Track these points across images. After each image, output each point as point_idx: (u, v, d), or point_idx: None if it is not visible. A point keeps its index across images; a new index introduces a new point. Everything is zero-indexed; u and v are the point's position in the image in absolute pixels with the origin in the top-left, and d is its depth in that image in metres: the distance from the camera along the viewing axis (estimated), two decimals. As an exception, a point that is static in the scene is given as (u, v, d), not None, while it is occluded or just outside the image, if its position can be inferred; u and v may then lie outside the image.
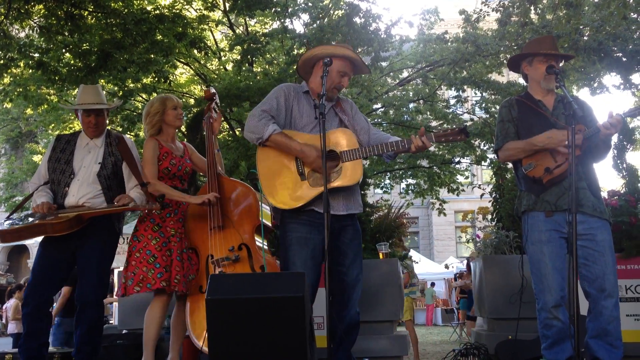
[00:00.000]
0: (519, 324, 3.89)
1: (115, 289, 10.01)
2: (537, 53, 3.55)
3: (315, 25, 12.04)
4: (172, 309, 4.17)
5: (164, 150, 4.09)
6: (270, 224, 4.09)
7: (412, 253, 8.87)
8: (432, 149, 16.25)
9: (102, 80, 10.55)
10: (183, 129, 8.97)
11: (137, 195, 3.90)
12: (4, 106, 15.09)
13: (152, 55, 9.67)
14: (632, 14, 10.49)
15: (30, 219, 3.80)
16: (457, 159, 17.13)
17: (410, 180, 18.63)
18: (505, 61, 12.69)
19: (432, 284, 22.97)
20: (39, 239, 4.00)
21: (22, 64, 9.92)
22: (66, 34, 9.07)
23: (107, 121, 4.18)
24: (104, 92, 10.73)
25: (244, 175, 6.45)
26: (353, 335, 3.57)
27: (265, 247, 4.05)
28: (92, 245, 3.87)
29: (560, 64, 3.61)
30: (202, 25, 12.27)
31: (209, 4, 12.65)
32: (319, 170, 3.36)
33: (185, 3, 11.85)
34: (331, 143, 3.36)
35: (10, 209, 17.43)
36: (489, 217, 6.75)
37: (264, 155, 3.51)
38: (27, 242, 20.40)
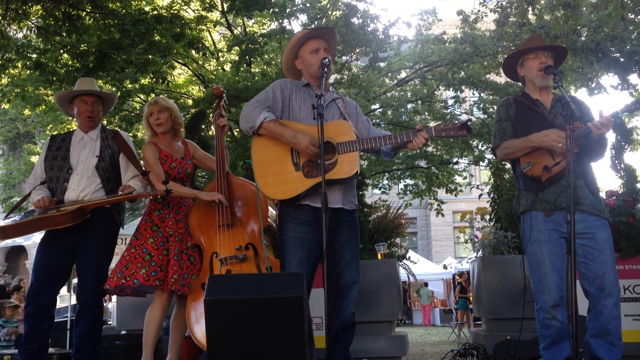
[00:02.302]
0: (517, 324, 3.89)
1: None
2: (526, 49, 3.59)
3: (313, 25, 12.05)
4: (171, 310, 4.17)
5: (163, 154, 4.10)
6: (275, 225, 4.07)
7: (411, 253, 8.88)
8: (430, 149, 16.27)
9: (100, 81, 10.54)
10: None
11: (138, 184, 3.91)
12: (2, 107, 15.04)
13: (150, 56, 9.65)
14: (630, 14, 10.51)
15: (31, 216, 3.79)
16: (455, 160, 17.14)
17: (408, 181, 18.64)
18: (503, 62, 12.68)
19: (426, 284, 22.94)
20: (37, 239, 4.00)
21: (19, 65, 9.90)
22: (64, 34, 9.04)
23: (105, 122, 4.21)
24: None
25: (242, 175, 6.44)
26: (348, 335, 3.54)
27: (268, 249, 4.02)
28: (92, 243, 3.87)
29: (552, 56, 3.61)
30: (200, 26, 12.24)
31: (207, 5, 12.63)
32: (312, 157, 3.31)
33: (183, 4, 11.83)
34: (328, 134, 3.27)
35: (8, 209, 17.40)
36: (487, 217, 6.76)
37: (259, 145, 3.46)
38: (24, 242, 20.34)
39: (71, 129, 4.28)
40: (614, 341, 3.23)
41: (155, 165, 4.01)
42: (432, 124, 15.79)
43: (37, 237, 4.07)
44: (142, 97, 13.44)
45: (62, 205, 3.82)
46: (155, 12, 9.65)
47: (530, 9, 10.43)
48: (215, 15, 13.72)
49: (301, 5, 12.78)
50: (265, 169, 3.42)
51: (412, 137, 3.32)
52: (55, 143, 4.10)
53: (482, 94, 15.22)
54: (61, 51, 9.74)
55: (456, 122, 3.36)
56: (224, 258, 3.84)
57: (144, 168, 4.06)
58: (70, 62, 9.90)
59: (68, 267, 3.99)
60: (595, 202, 3.38)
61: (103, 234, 3.95)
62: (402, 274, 6.87)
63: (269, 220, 3.92)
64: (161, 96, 4.33)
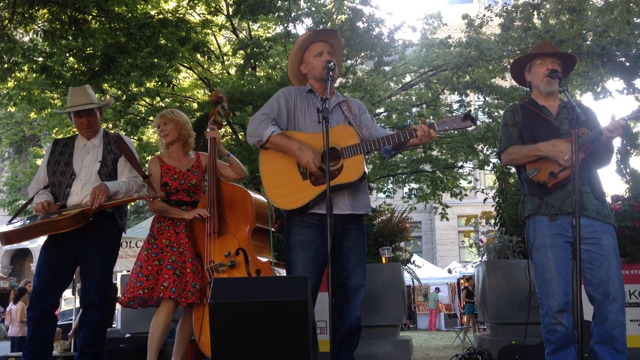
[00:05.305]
0: (522, 329, 3.88)
1: (119, 292, 10.05)
2: (534, 54, 3.59)
3: (317, 29, 12.05)
4: (179, 314, 4.17)
5: (165, 167, 4.15)
6: (273, 229, 4.08)
7: (415, 257, 8.86)
8: (434, 153, 16.24)
9: (105, 85, 10.58)
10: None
11: (132, 183, 3.97)
12: (8, 110, 15.12)
13: (156, 60, 9.68)
14: (635, 19, 10.50)
15: (34, 220, 3.80)
16: (460, 164, 17.11)
17: (413, 185, 18.60)
18: (508, 66, 12.69)
19: (437, 289, 22.96)
20: (42, 242, 4.01)
21: (26, 68, 9.94)
22: (70, 38, 9.08)
23: (110, 125, 4.24)
24: (108, 96, 10.72)
25: (247, 179, 6.45)
26: (354, 339, 3.53)
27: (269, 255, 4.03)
28: (95, 247, 3.88)
29: (559, 63, 3.59)
30: (205, 30, 12.29)
31: (213, 9, 12.68)
32: (314, 172, 3.32)
33: (188, 8, 11.87)
34: (332, 139, 3.26)
35: (14, 212, 17.42)
36: (492, 221, 6.74)
37: (266, 157, 3.49)
38: (30, 245, 20.40)
39: (76, 132, 4.27)
40: (619, 347, 3.22)
41: (154, 181, 4.08)
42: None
43: (42, 239, 4.07)
44: (147, 100, 13.47)
45: (64, 209, 3.84)
46: (161, 16, 9.69)
47: (535, 13, 10.42)
48: (220, 19, 13.76)
49: (306, 9, 12.78)
50: (274, 180, 3.44)
51: (414, 133, 3.27)
52: (58, 148, 4.11)
53: (487, 98, 15.20)
54: (67, 55, 9.79)
55: (460, 113, 3.33)
56: (212, 266, 3.88)
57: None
58: (76, 66, 9.94)
59: (71, 271, 4.01)
60: (601, 207, 3.37)
61: (106, 238, 3.97)
62: (407, 278, 6.86)
63: (257, 224, 3.94)
64: (170, 109, 4.37)
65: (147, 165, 4.30)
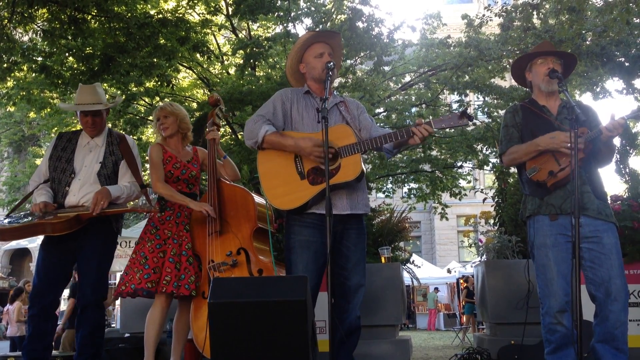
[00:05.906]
0: (521, 329, 3.88)
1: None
2: (535, 53, 3.59)
3: (318, 29, 12.05)
4: (174, 312, 4.17)
5: (167, 155, 4.15)
6: (272, 229, 4.08)
7: (415, 257, 8.86)
8: (434, 153, 16.24)
9: (105, 84, 10.57)
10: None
11: (133, 188, 3.96)
12: (7, 110, 15.12)
13: (155, 59, 9.68)
14: (635, 19, 10.50)
15: (29, 218, 3.80)
16: (459, 164, 17.11)
17: (412, 185, 18.62)
18: (507, 66, 12.69)
19: (436, 289, 22.97)
20: (40, 241, 4.01)
21: (25, 68, 9.93)
22: (69, 37, 9.08)
23: (110, 125, 4.21)
24: (107, 96, 10.70)
25: (246, 179, 6.45)
26: (353, 339, 3.53)
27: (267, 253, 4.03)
28: (91, 247, 3.88)
29: (560, 63, 3.59)
30: (205, 30, 12.28)
31: (212, 9, 12.67)
32: (318, 160, 3.31)
33: (188, 7, 11.87)
34: (330, 139, 3.23)
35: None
36: (492, 221, 6.74)
37: (264, 158, 3.49)
38: (29, 245, 20.36)
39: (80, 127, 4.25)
40: (620, 346, 3.22)
41: (156, 167, 4.08)
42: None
43: (41, 239, 4.08)
44: (146, 100, 13.47)
45: (60, 210, 3.83)
46: (161, 16, 9.68)
47: (535, 13, 10.42)
48: (220, 18, 13.75)
49: (306, 9, 12.78)
50: (272, 181, 3.44)
51: (411, 132, 3.28)
52: (62, 143, 4.10)
53: (486, 98, 15.19)
54: (66, 54, 9.78)
55: (455, 111, 3.34)
56: (213, 265, 3.88)
57: (144, 173, 4.08)
58: (75, 65, 9.94)
59: (69, 269, 4.03)
60: (602, 207, 3.37)
61: (102, 239, 3.96)
62: (406, 277, 6.87)
63: (259, 224, 3.94)
64: (169, 102, 4.37)
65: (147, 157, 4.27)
